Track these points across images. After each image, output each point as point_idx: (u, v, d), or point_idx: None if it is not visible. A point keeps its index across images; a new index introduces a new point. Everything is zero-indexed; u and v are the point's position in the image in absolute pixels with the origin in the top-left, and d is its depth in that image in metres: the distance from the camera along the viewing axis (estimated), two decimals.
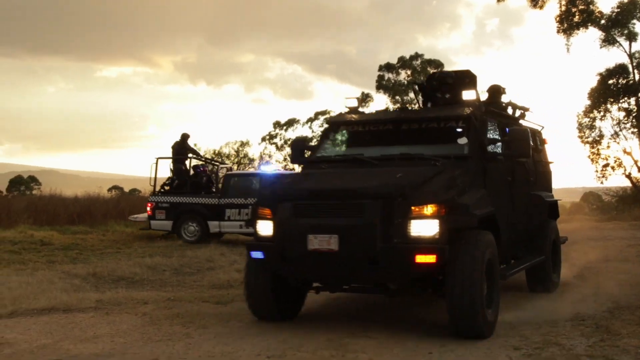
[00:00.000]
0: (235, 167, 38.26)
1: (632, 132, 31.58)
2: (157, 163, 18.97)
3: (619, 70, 31.21)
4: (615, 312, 8.11)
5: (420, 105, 9.59)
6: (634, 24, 30.63)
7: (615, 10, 30.56)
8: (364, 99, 44.01)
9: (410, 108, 9.75)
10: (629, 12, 30.32)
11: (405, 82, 40.03)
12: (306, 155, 8.90)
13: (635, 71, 31.00)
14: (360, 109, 9.34)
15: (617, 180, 33.66)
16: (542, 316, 7.98)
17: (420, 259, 6.65)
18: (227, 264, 13.25)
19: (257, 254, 7.45)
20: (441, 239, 6.70)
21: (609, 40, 31.09)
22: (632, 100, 31.35)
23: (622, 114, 31.90)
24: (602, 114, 32.21)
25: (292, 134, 45.09)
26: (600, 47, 31.45)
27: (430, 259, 6.63)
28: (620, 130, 31.99)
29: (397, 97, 41.43)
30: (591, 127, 32.56)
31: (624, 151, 32.12)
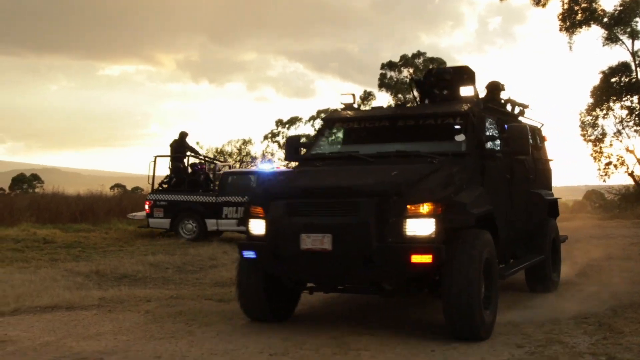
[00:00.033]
0: (237, 165, 38.28)
1: (635, 130, 31.57)
2: (155, 161, 19.05)
3: (622, 68, 31.18)
4: (618, 310, 8.11)
5: (418, 102, 9.44)
6: (637, 22, 30.59)
7: (618, 8, 30.51)
8: (366, 97, 44.04)
9: (407, 105, 9.40)
10: (632, 10, 30.26)
11: (407, 79, 40.04)
12: (301, 153, 8.75)
13: (638, 69, 30.96)
14: (363, 107, 9.32)
15: (620, 179, 33.69)
16: (545, 314, 7.98)
17: (416, 258, 6.50)
18: (230, 261, 13.25)
19: (249, 254, 7.30)
20: (437, 239, 6.56)
21: (611, 39, 31.04)
22: (635, 99, 31.32)
23: (625, 112, 31.88)
24: (604, 112, 32.20)
25: (295, 132, 45.19)
26: (603, 45, 31.43)
27: (426, 259, 6.49)
28: (623, 128, 31.98)
29: (400, 96, 41.44)
30: (594, 125, 32.55)
31: (627, 149, 32.12)
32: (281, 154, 44.59)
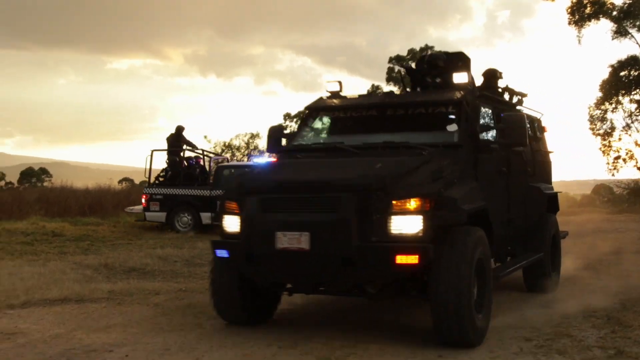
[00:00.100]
0: (245, 159, 38.34)
1: None
2: (152, 155, 19.30)
3: (631, 62, 31.10)
4: (626, 304, 8.10)
5: (408, 90, 8.80)
6: None
7: (627, 1, 30.44)
8: (374, 91, 44.01)
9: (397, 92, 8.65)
10: None
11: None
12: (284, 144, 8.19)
13: None
14: (350, 95, 8.52)
15: (629, 173, 33.63)
16: (554, 308, 7.98)
17: (401, 259, 5.98)
18: None
19: (222, 253, 6.77)
20: (425, 237, 6.02)
21: (620, 32, 30.96)
22: None
23: (634, 105, 31.83)
24: (613, 106, 32.16)
25: None
26: (612, 39, 31.41)
27: (412, 259, 5.97)
28: (632, 122, 31.93)
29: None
30: (602, 119, 32.52)
31: (636, 143, 32.07)
32: None
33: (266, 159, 19.56)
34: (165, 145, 19.64)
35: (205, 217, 17.67)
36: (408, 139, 7.21)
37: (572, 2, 31.59)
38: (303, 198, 6.37)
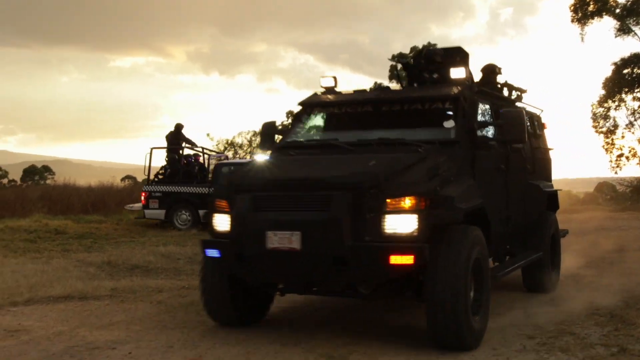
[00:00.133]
0: (248, 156, 38.38)
1: None
2: (151, 153, 19.38)
3: (634, 59, 31.06)
4: (629, 301, 8.09)
5: (401, 85, 8.49)
6: None
7: None
8: (377, 89, 43.99)
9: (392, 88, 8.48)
10: None
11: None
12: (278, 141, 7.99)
13: None
14: (346, 91, 8.32)
15: (632, 170, 33.65)
16: (557, 306, 7.98)
17: (396, 259, 5.80)
18: None
19: (213, 252, 6.62)
20: (420, 237, 5.84)
21: (623, 30, 30.92)
22: None
23: (637, 103, 31.84)
24: (616, 103, 32.13)
25: None
26: (615, 37, 31.37)
27: (407, 259, 5.79)
28: (635, 120, 31.91)
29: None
30: (605, 117, 32.49)
31: (639, 141, 31.99)
32: None
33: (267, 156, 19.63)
34: (164, 143, 19.70)
35: (204, 214, 17.74)
36: (404, 135, 7.05)
37: None
38: (294, 196, 6.21)
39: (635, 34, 30.95)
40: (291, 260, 6.13)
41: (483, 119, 7.61)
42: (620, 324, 6.97)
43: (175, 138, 19.59)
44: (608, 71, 32.07)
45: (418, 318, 7.36)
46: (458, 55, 8.30)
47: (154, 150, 19.46)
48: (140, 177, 21.73)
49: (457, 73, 7.47)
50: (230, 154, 36.74)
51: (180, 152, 19.65)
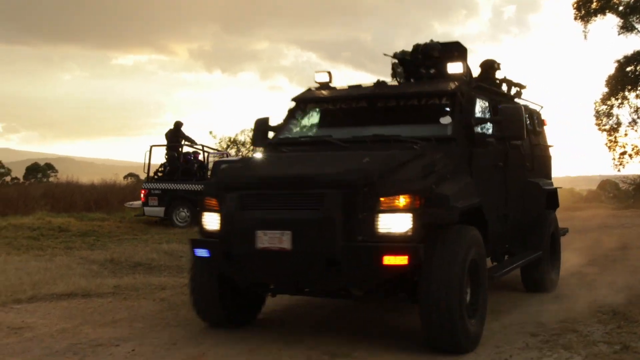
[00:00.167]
0: (250, 154, 38.38)
1: None
2: (150, 150, 19.49)
3: (637, 57, 30.96)
4: (633, 299, 8.06)
5: (399, 82, 8.22)
6: None
7: None
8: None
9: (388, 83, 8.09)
10: None
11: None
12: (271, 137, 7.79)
13: None
14: (341, 87, 8.10)
15: (635, 168, 33.59)
16: (559, 303, 7.98)
17: (389, 260, 5.62)
18: None
19: (202, 252, 6.43)
20: (415, 237, 5.66)
21: (627, 27, 30.83)
22: None
23: None
24: (619, 101, 32.03)
25: None
26: (618, 34, 31.25)
27: (401, 260, 5.62)
28: (638, 117, 31.82)
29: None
30: (608, 115, 32.40)
31: None
32: None
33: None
34: (164, 141, 19.78)
35: None
36: (399, 132, 6.88)
37: None
38: (285, 195, 6.02)
39: (639, 31, 30.89)
40: (281, 261, 5.95)
41: (481, 115, 7.47)
42: (623, 321, 6.96)
43: (175, 136, 19.70)
44: (611, 69, 32.04)
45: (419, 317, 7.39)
46: (456, 50, 8.14)
47: (154, 148, 19.57)
48: (143, 175, 21.78)
49: (454, 68, 7.32)
50: (232, 151, 36.74)
51: (180, 149, 19.72)
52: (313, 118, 7.94)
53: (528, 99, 9.34)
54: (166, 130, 20.08)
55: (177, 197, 18.31)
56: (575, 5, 31.65)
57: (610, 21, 32.45)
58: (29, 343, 6.42)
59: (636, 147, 32.22)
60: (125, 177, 42.90)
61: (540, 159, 9.26)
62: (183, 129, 19.87)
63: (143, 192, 18.89)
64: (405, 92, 7.53)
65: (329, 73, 8.02)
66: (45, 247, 13.28)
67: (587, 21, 31.41)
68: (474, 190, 6.62)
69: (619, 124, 32.28)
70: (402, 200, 5.70)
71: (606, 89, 32.11)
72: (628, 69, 31.15)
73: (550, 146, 10.03)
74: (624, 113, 32.18)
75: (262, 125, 7.87)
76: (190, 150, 20.15)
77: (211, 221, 6.41)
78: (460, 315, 5.79)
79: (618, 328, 6.70)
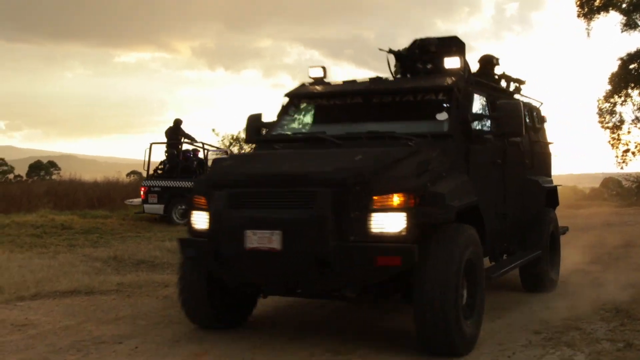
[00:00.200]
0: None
1: None
2: (150, 148, 19.54)
3: None
4: (636, 297, 8.06)
5: (395, 77, 7.98)
6: None
7: None
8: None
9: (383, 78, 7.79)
10: None
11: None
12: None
13: None
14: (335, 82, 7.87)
15: (638, 166, 33.58)
16: (562, 301, 7.98)
17: (382, 261, 5.46)
18: None
19: (190, 252, 6.32)
20: (409, 237, 5.48)
21: (630, 25, 30.79)
22: None
23: None
24: (622, 99, 32.02)
25: None
26: (622, 32, 31.20)
27: (394, 261, 5.46)
28: None
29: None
30: (612, 113, 32.40)
31: None
32: None
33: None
34: (164, 139, 19.86)
35: None
36: (394, 128, 6.68)
37: None
38: (275, 193, 5.83)
39: None
40: (271, 261, 5.75)
41: (479, 111, 7.31)
42: (627, 319, 6.96)
43: (175, 133, 19.76)
44: (614, 66, 32.00)
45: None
46: (454, 45, 7.82)
47: (154, 146, 19.65)
48: (144, 172, 21.86)
49: (451, 63, 7.11)
50: (235, 149, 36.75)
51: (180, 147, 19.77)
52: (307, 114, 7.79)
53: (528, 95, 9.24)
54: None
55: (177, 195, 18.34)
56: (578, 3, 31.62)
57: (613, 19, 32.38)
58: (32, 340, 6.42)
59: (639, 144, 32.18)
60: (128, 174, 42.94)
61: (539, 156, 9.10)
62: (183, 126, 19.93)
63: (143, 189, 18.99)
64: (400, 88, 7.33)
65: (324, 68, 7.85)
66: (49, 245, 13.32)
67: (590, 19, 31.37)
68: (470, 189, 6.44)
69: (622, 121, 32.29)
70: (395, 199, 5.52)
71: (609, 87, 32.11)
72: (631, 66, 31.12)
73: (550, 143, 9.89)
74: (627, 111, 32.19)
75: (254, 122, 7.67)
76: (190, 147, 20.21)
77: (200, 220, 6.25)
78: (456, 316, 5.59)
79: (621, 326, 6.70)
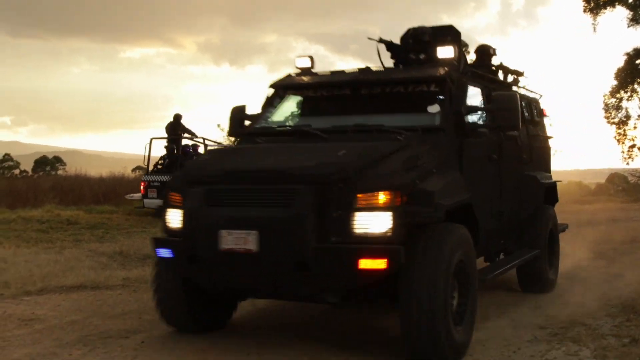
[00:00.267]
0: None
1: None
2: (150, 143, 19.57)
3: None
4: None
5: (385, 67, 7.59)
6: None
7: None
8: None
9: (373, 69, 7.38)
10: None
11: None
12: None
13: None
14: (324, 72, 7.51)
15: None
16: (568, 297, 7.97)
17: (366, 263, 5.04)
18: None
19: (164, 252, 5.86)
20: (395, 237, 5.09)
21: (636, 20, 30.66)
22: None
23: None
24: (628, 94, 31.93)
25: None
26: (628, 27, 31.08)
27: (379, 264, 5.04)
28: None
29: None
30: (618, 108, 32.31)
31: None
32: None
33: None
34: (164, 134, 19.92)
35: None
36: (384, 121, 6.33)
37: None
38: (252, 190, 5.46)
39: None
40: (247, 264, 5.38)
41: (473, 103, 6.88)
42: (632, 314, 6.97)
43: (175, 128, 19.81)
44: (620, 61, 31.89)
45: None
46: (449, 35, 7.46)
47: (154, 141, 19.66)
48: (151, 167, 21.92)
49: (444, 52, 6.74)
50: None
51: (179, 142, 19.83)
52: (292, 106, 7.43)
53: (527, 87, 8.96)
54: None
55: None
56: None
57: (619, 13, 32.36)
58: (39, 335, 6.45)
59: None
60: (133, 169, 43.00)
61: (538, 151, 8.74)
62: (183, 121, 19.97)
63: (142, 184, 19.02)
64: (390, 79, 6.93)
65: (311, 58, 7.48)
66: (55, 240, 13.35)
67: (597, 13, 31.25)
68: (463, 186, 6.08)
69: (628, 117, 32.21)
70: (381, 197, 5.13)
71: (615, 82, 32.01)
72: (637, 61, 31.03)
73: (549, 137, 9.59)
74: (633, 106, 32.13)
75: (238, 114, 7.29)
76: (190, 142, 20.25)
77: (174, 218, 5.85)
78: (445, 321, 5.23)
79: (627, 321, 6.70)
